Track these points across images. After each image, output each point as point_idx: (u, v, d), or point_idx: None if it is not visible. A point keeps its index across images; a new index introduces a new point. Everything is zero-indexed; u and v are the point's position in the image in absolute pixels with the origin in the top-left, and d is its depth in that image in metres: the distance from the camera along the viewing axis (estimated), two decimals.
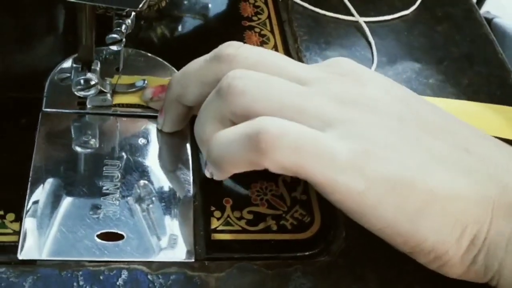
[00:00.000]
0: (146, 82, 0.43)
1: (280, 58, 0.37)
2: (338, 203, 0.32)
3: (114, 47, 0.41)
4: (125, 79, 0.43)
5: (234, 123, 0.34)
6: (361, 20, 0.53)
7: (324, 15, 0.54)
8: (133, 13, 0.41)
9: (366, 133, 0.32)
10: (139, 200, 0.38)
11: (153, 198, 0.38)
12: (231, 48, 0.37)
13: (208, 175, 0.37)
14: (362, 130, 0.32)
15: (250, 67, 0.36)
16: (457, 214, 0.32)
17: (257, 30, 0.52)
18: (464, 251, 0.32)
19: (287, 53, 0.50)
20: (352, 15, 0.54)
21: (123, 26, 0.41)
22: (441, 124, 0.34)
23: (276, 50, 0.50)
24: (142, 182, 0.39)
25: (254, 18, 0.53)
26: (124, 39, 0.41)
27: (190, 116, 0.41)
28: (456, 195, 0.32)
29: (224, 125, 0.35)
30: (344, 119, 0.33)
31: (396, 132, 0.33)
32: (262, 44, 0.50)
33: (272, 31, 0.52)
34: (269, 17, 0.53)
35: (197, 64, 0.38)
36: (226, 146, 0.33)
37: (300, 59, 0.49)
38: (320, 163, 0.31)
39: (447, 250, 0.32)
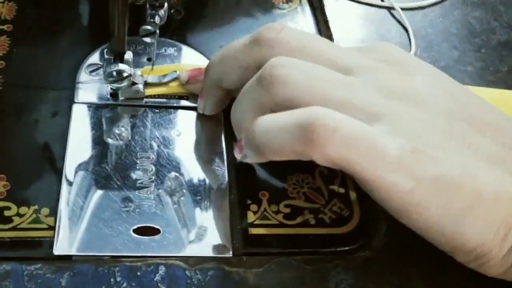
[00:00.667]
0: (178, 73, 0.42)
1: (323, 43, 0.36)
2: (382, 201, 0.32)
3: (147, 39, 0.40)
4: (157, 70, 0.42)
5: (274, 112, 0.33)
6: (397, 6, 0.51)
7: (358, 1, 0.52)
8: (165, 4, 0.40)
9: (415, 131, 0.31)
10: (174, 193, 0.37)
11: (188, 192, 0.37)
12: (272, 31, 0.36)
13: (238, 156, 0.36)
14: (410, 127, 0.31)
15: (292, 52, 0.35)
16: (502, 215, 0.31)
17: (289, 17, 0.51)
18: (507, 251, 0.31)
19: None
20: (387, 0, 0.52)
21: (157, 17, 0.40)
22: (489, 120, 0.33)
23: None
24: (176, 175, 0.38)
25: (285, 5, 0.52)
26: (157, 31, 0.40)
27: (230, 97, 0.40)
28: (503, 196, 0.30)
29: (264, 113, 0.33)
30: (392, 114, 0.32)
31: (444, 129, 0.32)
32: None
33: (304, 18, 0.51)
34: (300, 3, 0.52)
35: (236, 48, 0.37)
36: (272, 133, 0.32)
37: None
38: (371, 161, 0.30)
39: (490, 251, 0.31)
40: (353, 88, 0.33)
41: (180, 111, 0.42)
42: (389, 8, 0.52)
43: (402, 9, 0.51)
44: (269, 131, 0.32)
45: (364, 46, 0.37)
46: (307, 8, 0.52)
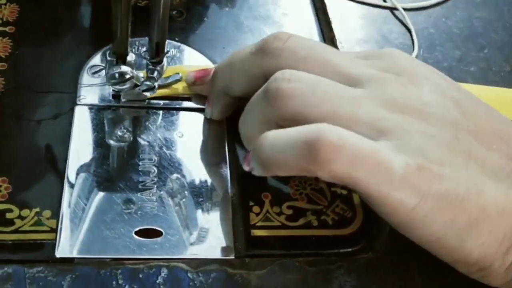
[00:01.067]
0: (181, 75, 0.42)
1: (329, 52, 0.36)
2: (386, 216, 0.32)
3: (147, 93, 0.41)
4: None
5: (280, 126, 0.33)
6: (399, 6, 0.51)
7: (360, 1, 0.52)
8: (165, 59, 0.41)
9: (421, 146, 0.31)
10: (177, 195, 0.37)
11: (191, 194, 0.37)
12: (278, 40, 0.35)
13: (246, 169, 0.36)
14: (416, 142, 0.31)
15: (298, 62, 0.34)
16: (506, 228, 0.30)
17: (291, 18, 0.50)
18: (510, 264, 0.31)
19: (322, 41, 0.49)
20: (390, 1, 0.52)
21: (156, 73, 0.40)
22: (496, 130, 0.33)
23: (311, 38, 0.49)
24: (179, 177, 0.38)
25: (287, 5, 0.52)
26: (156, 86, 0.40)
27: (237, 102, 0.40)
28: (507, 210, 0.30)
29: (271, 127, 0.33)
30: (398, 129, 0.31)
31: (451, 143, 0.31)
32: (296, 32, 0.49)
33: (306, 19, 0.51)
34: (303, 4, 0.52)
35: (242, 56, 0.37)
36: (278, 149, 0.32)
37: (335, 48, 0.48)
38: (377, 178, 0.30)
39: (492, 264, 0.31)
40: (359, 102, 0.32)
41: (182, 112, 0.42)
42: (392, 9, 0.52)
43: (405, 9, 0.51)
44: (275, 147, 0.32)
45: (369, 53, 0.37)
46: (309, 8, 0.52)
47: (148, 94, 0.41)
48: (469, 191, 0.30)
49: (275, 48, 0.35)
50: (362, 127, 0.32)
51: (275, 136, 0.32)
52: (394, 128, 0.32)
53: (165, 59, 0.40)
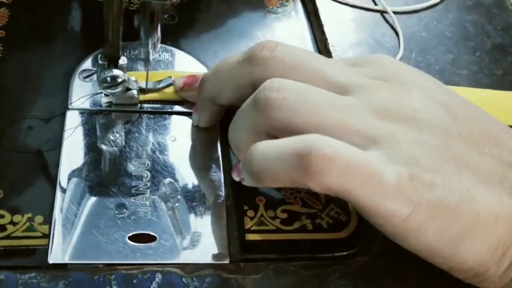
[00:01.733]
0: (173, 79, 0.42)
1: (317, 60, 0.36)
2: (380, 226, 0.31)
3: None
4: (151, 76, 0.42)
5: (270, 135, 0.33)
6: (390, 9, 0.51)
7: (352, 4, 0.52)
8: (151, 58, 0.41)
9: (412, 154, 0.31)
10: (170, 200, 0.37)
11: (184, 198, 0.37)
12: (265, 50, 0.35)
13: (237, 179, 0.36)
14: (407, 151, 0.31)
15: (286, 71, 0.34)
16: (499, 235, 0.30)
17: (283, 22, 0.50)
18: (505, 269, 0.31)
19: (315, 45, 0.49)
20: (380, 4, 0.52)
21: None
22: (487, 134, 0.33)
23: (304, 42, 0.49)
24: (172, 181, 0.38)
25: (280, 9, 0.51)
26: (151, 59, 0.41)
27: (225, 110, 0.40)
28: (500, 217, 0.30)
29: (260, 136, 0.33)
30: (389, 137, 0.31)
31: (442, 150, 0.31)
32: (288, 36, 0.49)
33: (298, 23, 0.51)
34: (294, 7, 0.52)
35: (229, 65, 0.37)
36: (269, 161, 0.31)
37: (327, 51, 0.48)
38: (369, 189, 0.30)
39: (487, 270, 0.31)
40: (349, 111, 0.32)
41: (175, 116, 0.41)
42: (383, 12, 0.52)
43: (396, 12, 0.51)
44: (265, 159, 0.32)
45: (358, 60, 0.37)
46: (301, 12, 0.52)
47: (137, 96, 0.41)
48: (462, 198, 0.30)
49: (262, 58, 0.35)
50: (352, 136, 0.31)
51: (265, 147, 0.32)
52: (385, 137, 0.31)
53: (151, 58, 0.40)
